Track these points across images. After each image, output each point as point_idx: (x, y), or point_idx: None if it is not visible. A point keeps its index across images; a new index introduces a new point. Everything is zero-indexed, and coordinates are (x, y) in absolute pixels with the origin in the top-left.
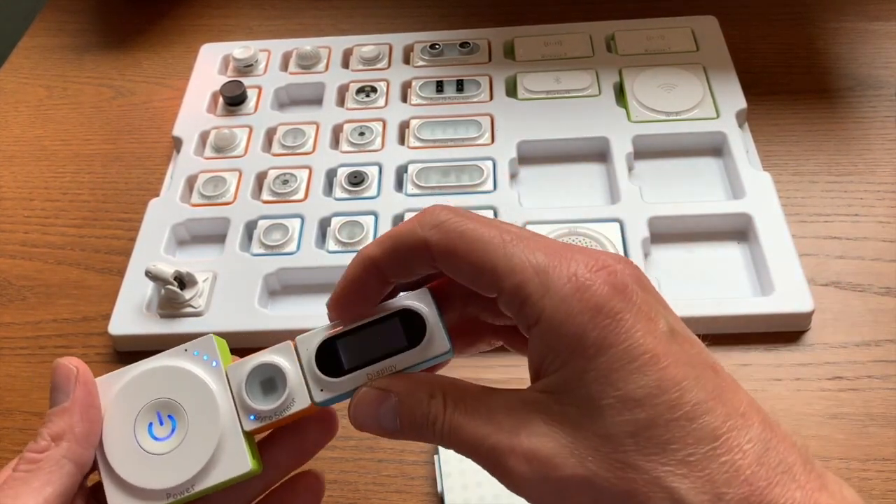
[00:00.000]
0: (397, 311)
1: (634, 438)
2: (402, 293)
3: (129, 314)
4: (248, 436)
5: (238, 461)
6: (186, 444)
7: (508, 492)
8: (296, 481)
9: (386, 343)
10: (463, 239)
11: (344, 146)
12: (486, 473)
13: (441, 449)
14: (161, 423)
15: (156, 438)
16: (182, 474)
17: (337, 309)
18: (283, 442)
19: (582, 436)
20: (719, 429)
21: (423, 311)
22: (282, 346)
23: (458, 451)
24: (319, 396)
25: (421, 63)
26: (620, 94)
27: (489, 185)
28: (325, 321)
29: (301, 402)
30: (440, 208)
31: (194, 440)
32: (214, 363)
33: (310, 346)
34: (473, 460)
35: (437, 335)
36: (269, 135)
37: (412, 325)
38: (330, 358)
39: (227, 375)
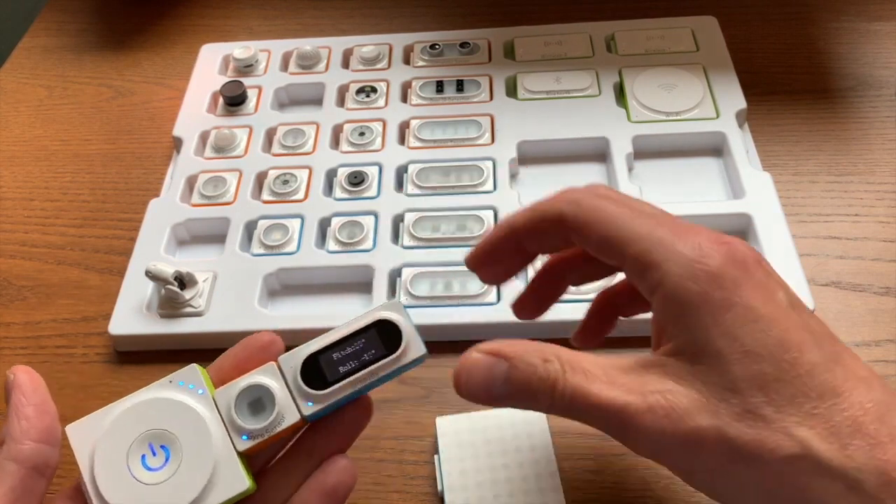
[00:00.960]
0: (374, 322)
1: (763, 391)
2: (377, 305)
3: (130, 314)
4: (242, 456)
5: (235, 481)
6: (182, 471)
7: (509, 492)
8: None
9: (366, 353)
10: (595, 213)
11: (344, 146)
12: (486, 473)
13: (441, 448)
14: (154, 454)
15: (150, 469)
16: (182, 500)
17: (474, 264)
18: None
19: (712, 390)
20: (840, 387)
21: (397, 320)
22: (266, 367)
23: (576, 415)
24: (308, 410)
25: (421, 63)
26: (620, 94)
27: (489, 185)
28: (326, 321)
29: (291, 418)
30: (578, 190)
31: (190, 466)
32: (201, 391)
33: (293, 363)
34: (594, 423)
35: (413, 340)
36: (270, 135)
37: (388, 333)
38: (314, 372)
39: (215, 401)
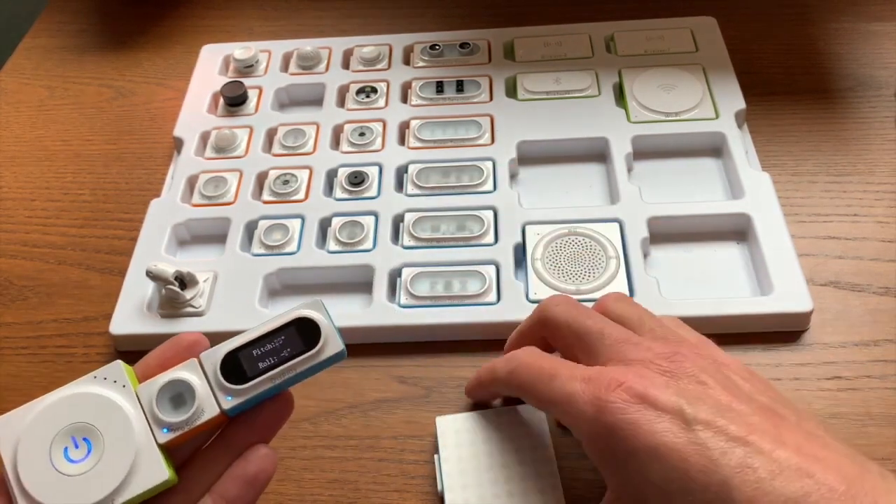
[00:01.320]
0: (293, 319)
1: None
2: (297, 305)
3: (130, 314)
4: (163, 448)
5: (155, 472)
6: (103, 462)
7: (508, 492)
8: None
9: (285, 349)
10: (525, 382)
11: (344, 146)
12: (486, 473)
13: (441, 448)
14: (76, 447)
15: (72, 461)
16: (102, 490)
17: (470, 397)
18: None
19: None
20: (751, 498)
21: (316, 318)
22: (187, 363)
23: None
24: (227, 404)
25: (421, 64)
26: (620, 94)
27: (489, 186)
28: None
29: (210, 412)
30: (523, 351)
31: (111, 458)
32: (124, 385)
33: (214, 359)
34: None
35: (331, 338)
36: (270, 135)
37: (308, 330)
38: (234, 368)
39: (137, 395)
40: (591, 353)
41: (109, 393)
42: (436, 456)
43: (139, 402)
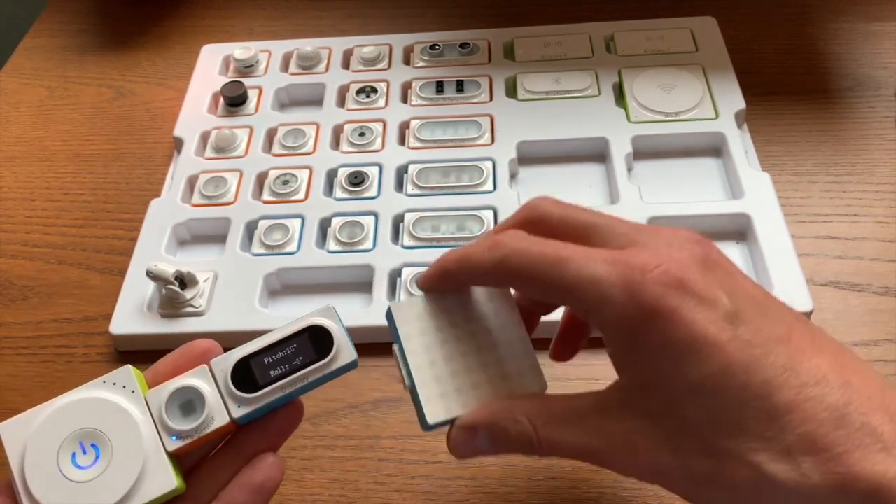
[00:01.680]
0: (306, 327)
1: (712, 423)
2: (310, 312)
3: (130, 314)
4: (171, 456)
5: (163, 480)
6: (111, 469)
7: (486, 378)
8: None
9: (297, 357)
10: (523, 271)
11: (344, 146)
12: (461, 361)
13: (403, 338)
14: (84, 452)
15: (80, 467)
16: (110, 498)
17: (426, 290)
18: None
19: (668, 425)
20: (792, 402)
21: (330, 326)
22: (198, 370)
23: (558, 456)
24: (237, 413)
25: (421, 64)
26: (620, 94)
27: (489, 186)
28: None
29: (220, 420)
30: (509, 236)
31: (119, 465)
32: (133, 391)
33: (224, 366)
34: (574, 459)
35: (344, 347)
36: (270, 135)
37: (320, 339)
38: (245, 376)
39: (146, 402)
40: (601, 245)
41: (118, 398)
42: (395, 347)
43: (148, 408)
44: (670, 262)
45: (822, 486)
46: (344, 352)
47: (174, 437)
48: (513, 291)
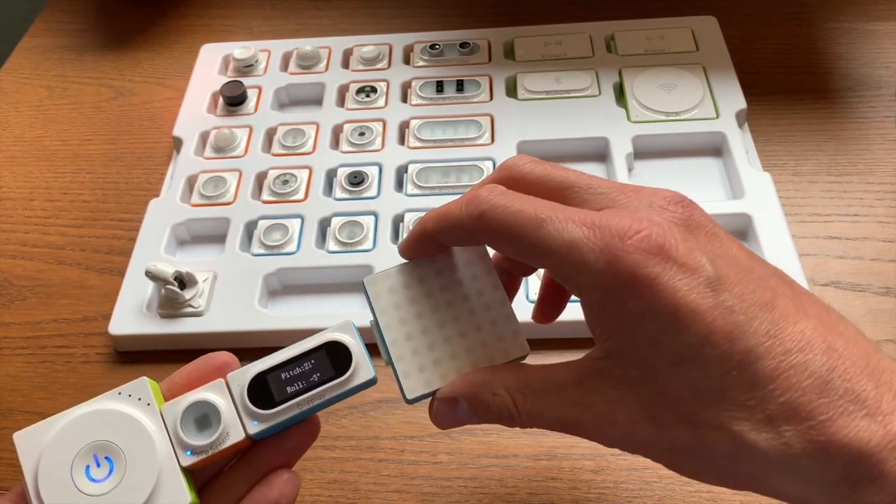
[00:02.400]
0: (324, 343)
1: (693, 393)
2: (329, 327)
3: (130, 314)
4: (186, 471)
5: (177, 495)
6: (125, 483)
7: (466, 348)
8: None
9: (314, 374)
10: (502, 227)
11: (344, 146)
12: (438, 332)
13: (378, 312)
14: (98, 465)
15: (94, 480)
16: None
17: (406, 256)
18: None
19: (647, 395)
20: (775, 370)
21: (348, 342)
22: (214, 384)
23: (543, 428)
24: (253, 429)
25: (421, 63)
26: (620, 94)
27: None
28: (326, 321)
29: (235, 436)
30: (487, 190)
31: (133, 479)
32: (149, 404)
33: (241, 381)
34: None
35: (363, 364)
36: (270, 135)
37: (338, 355)
38: (261, 391)
39: (161, 415)
40: (581, 205)
41: (134, 411)
42: (371, 322)
43: (163, 421)
44: (651, 226)
45: (803, 455)
46: (362, 369)
47: (189, 452)
48: (492, 253)
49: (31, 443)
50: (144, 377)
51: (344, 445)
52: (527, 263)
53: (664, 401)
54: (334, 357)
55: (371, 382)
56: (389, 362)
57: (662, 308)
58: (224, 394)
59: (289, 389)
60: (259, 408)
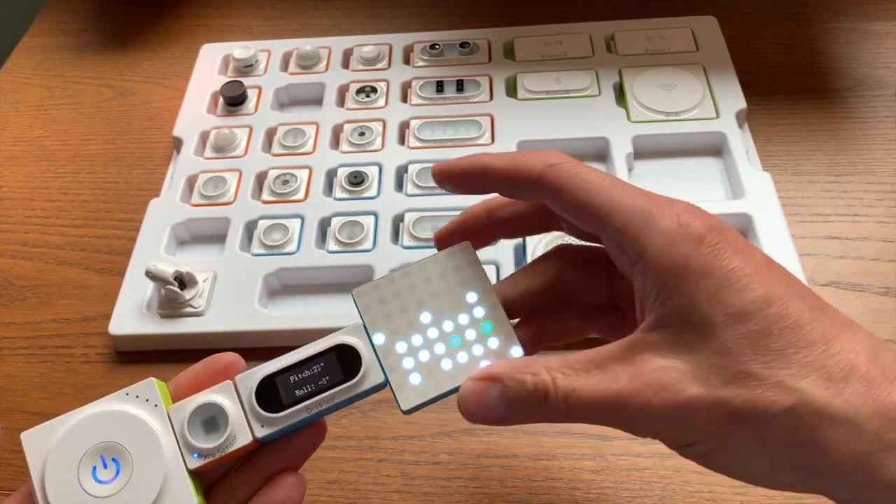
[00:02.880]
0: (333, 346)
1: (752, 349)
2: (338, 331)
3: (130, 314)
4: (192, 474)
5: (184, 498)
6: (131, 485)
7: (464, 345)
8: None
9: (323, 377)
10: (576, 179)
11: (344, 146)
12: (432, 340)
13: (369, 324)
14: (105, 467)
15: (100, 482)
16: None
17: (448, 182)
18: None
19: (701, 357)
20: (828, 332)
21: (358, 345)
22: (222, 386)
23: (576, 415)
24: (261, 432)
25: (421, 63)
26: (620, 94)
27: None
28: (326, 321)
29: (243, 439)
30: (557, 153)
31: (139, 481)
32: (156, 405)
33: (249, 384)
34: (594, 420)
35: (373, 368)
36: (270, 135)
37: (348, 358)
38: (270, 394)
39: (169, 417)
40: None
41: (141, 413)
42: (365, 332)
43: (171, 423)
44: (711, 216)
45: (865, 412)
46: (372, 373)
47: (196, 455)
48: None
49: (38, 443)
50: (153, 378)
51: (344, 445)
52: (589, 222)
53: (720, 360)
54: (344, 360)
55: (381, 387)
56: (382, 374)
57: (726, 267)
58: (232, 396)
59: (297, 393)
60: (267, 411)
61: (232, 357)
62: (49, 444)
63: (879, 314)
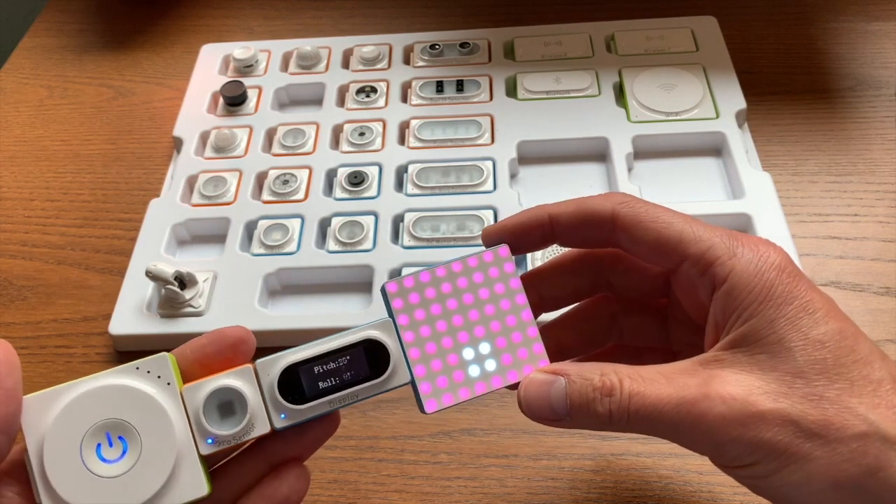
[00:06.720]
0: (362, 340)
1: (824, 375)
2: (365, 324)
3: (130, 314)
4: (203, 459)
5: (194, 485)
6: (140, 467)
7: (491, 351)
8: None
9: (348, 371)
10: (648, 214)
11: (344, 146)
12: (460, 343)
13: (400, 327)
14: (111, 445)
15: (106, 461)
16: (135, 498)
17: (492, 239)
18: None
19: (774, 376)
20: (889, 376)
21: (387, 342)
22: (242, 370)
23: (637, 421)
24: (280, 423)
25: (421, 63)
26: (620, 94)
27: (489, 185)
28: (326, 321)
29: (261, 428)
30: (619, 193)
31: (148, 463)
32: (169, 383)
33: (272, 371)
34: (657, 428)
35: (400, 366)
36: (270, 135)
37: (375, 354)
38: (292, 384)
39: (182, 396)
40: None
41: (152, 390)
42: (394, 328)
43: (184, 404)
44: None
45: None
46: (399, 371)
47: (210, 440)
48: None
49: (37, 413)
50: (166, 353)
51: (344, 445)
52: (666, 254)
53: (794, 381)
54: (371, 356)
55: (406, 385)
56: (409, 374)
57: (804, 296)
58: (252, 382)
59: (321, 385)
60: (289, 402)
61: (239, 332)
62: (49, 415)
63: (879, 314)
